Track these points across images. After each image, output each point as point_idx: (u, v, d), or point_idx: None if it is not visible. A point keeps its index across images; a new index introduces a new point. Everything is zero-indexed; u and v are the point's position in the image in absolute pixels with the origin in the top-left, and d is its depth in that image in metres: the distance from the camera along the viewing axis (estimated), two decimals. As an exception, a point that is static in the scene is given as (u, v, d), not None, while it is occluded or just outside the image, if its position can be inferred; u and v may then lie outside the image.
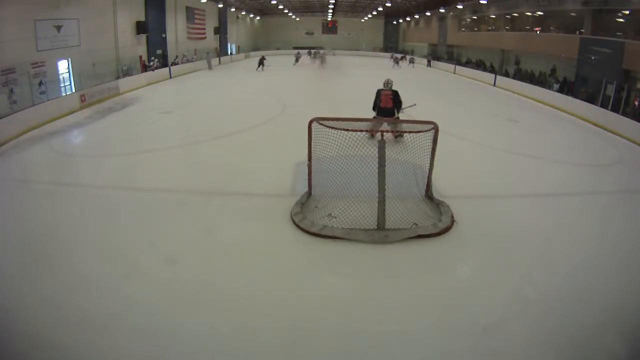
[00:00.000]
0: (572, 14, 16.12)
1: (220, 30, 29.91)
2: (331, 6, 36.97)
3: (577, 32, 15.68)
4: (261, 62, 23.35)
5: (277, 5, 35.02)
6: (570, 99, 13.49)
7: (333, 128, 4.78)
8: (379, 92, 7.80)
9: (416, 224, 4.60)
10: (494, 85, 18.90)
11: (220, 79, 19.59)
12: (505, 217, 5.14)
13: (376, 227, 4.50)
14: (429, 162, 5.20)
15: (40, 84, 11.67)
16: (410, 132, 5.07)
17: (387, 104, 7.58)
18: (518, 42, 20.20)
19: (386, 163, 4.57)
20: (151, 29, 18.85)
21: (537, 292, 3.64)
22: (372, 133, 6.76)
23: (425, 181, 5.37)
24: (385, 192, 4.53)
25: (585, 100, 12.76)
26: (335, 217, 4.74)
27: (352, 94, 14.69)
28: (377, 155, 4.58)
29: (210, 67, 24.16)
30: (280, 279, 3.77)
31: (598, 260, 4.18)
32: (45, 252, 4.10)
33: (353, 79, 19.53)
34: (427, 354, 2.95)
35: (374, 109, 7.81)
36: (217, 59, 26.94)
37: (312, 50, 33.08)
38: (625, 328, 3.21)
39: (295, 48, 37.10)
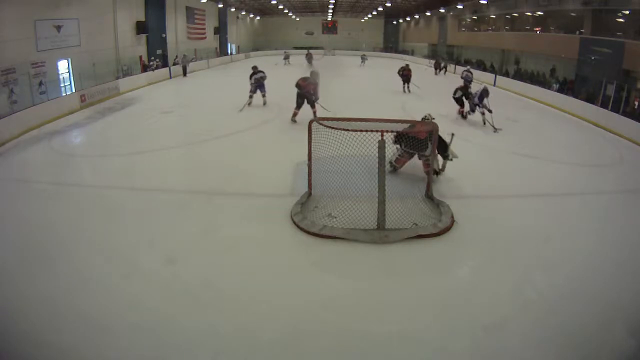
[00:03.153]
0: (572, 14, 16.12)
1: (220, 30, 29.93)
2: (331, 6, 36.93)
3: (577, 32, 15.68)
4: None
5: (277, 5, 34.98)
6: (570, 99, 13.49)
7: (333, 128, 4.78)
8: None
9: (416, 224, 4.60)
10: (494, 85, 18.89)
11: (215, 80, 19.57)
12: (505, 217, 5.14)
13: (376, 227, 4.50)
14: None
15: (41, 83, 11.68)
16: (410, 132, 5.07)
17: (420, 136, 6.07)
18: (518, 42, 20.20)
19: (386, 163, 4.57)
20: (151, 29, 18.85)
21: (537, 292, 3.64)
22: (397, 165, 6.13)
23: (425, 181, 5.37)
24: (385, 192, 4.53)
25: (585, 100, 12.76)
26: (335, 217, 4.74)
27: (352, 95, 14.70)
28: (377, 155, 4.59)
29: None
30: (280, 278, 3.76)
31: (598, 260, 4.18)
32: (45, 252, 4.10)
33: (353, 80, 19.53)
34: (427, 354, 2.95)
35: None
36: (216, 59, 26.94)
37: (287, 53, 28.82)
38: (626, 327, 3.21)
39: (295, 48, 37.01)
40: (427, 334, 3.12)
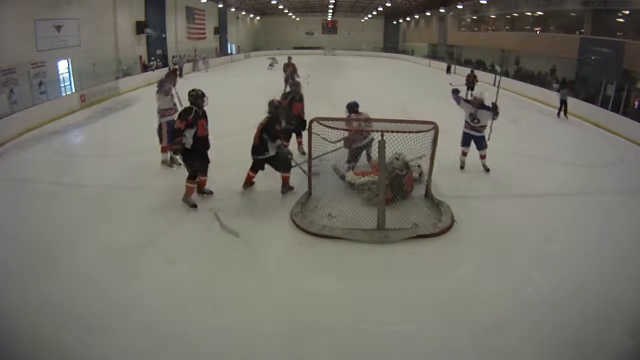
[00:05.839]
0: (572, 14, 16.13)
1: (220, 30, 29.95)
2: (331, 6, 36.96)
3: (577, 32, 15.69)
4: None
5: (277, 5, 35.02)
6: (570, 99, 13.48)
7: (333, 128, 4.79)
8: None
9: (416, 224, 4.60)
10: (494, 84, 18.86)
11: (218, 79, 19.56)
12: (506, 217, 5.13)
13: (376, 227, 4.50)
14: (429, 162, 5.20)
15: (41, 84, 11.68)
16: (410, 132, 5.06)
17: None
18: (518, 42, 20.21)
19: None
20: (151, 28, 18.86)
21: (537, 292, 3.64)
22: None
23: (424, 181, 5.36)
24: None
25: (585, 100, 12.76)
26: (335, 217, 4.74)
27: (352, 95, 14.68)
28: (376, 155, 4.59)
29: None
30: (279, 278, 3.77)
31: (598, 260, 4.18)
32: (45, 252, 4.10)
33: (353, 80, 19.53)
34: (427, 354, 2.95)
35: None
36: (216, 59, 26.91)
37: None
38: (626, 327, 3.21)
39: (295, 48, 36.96)
40: (427, 334, 3.12)
